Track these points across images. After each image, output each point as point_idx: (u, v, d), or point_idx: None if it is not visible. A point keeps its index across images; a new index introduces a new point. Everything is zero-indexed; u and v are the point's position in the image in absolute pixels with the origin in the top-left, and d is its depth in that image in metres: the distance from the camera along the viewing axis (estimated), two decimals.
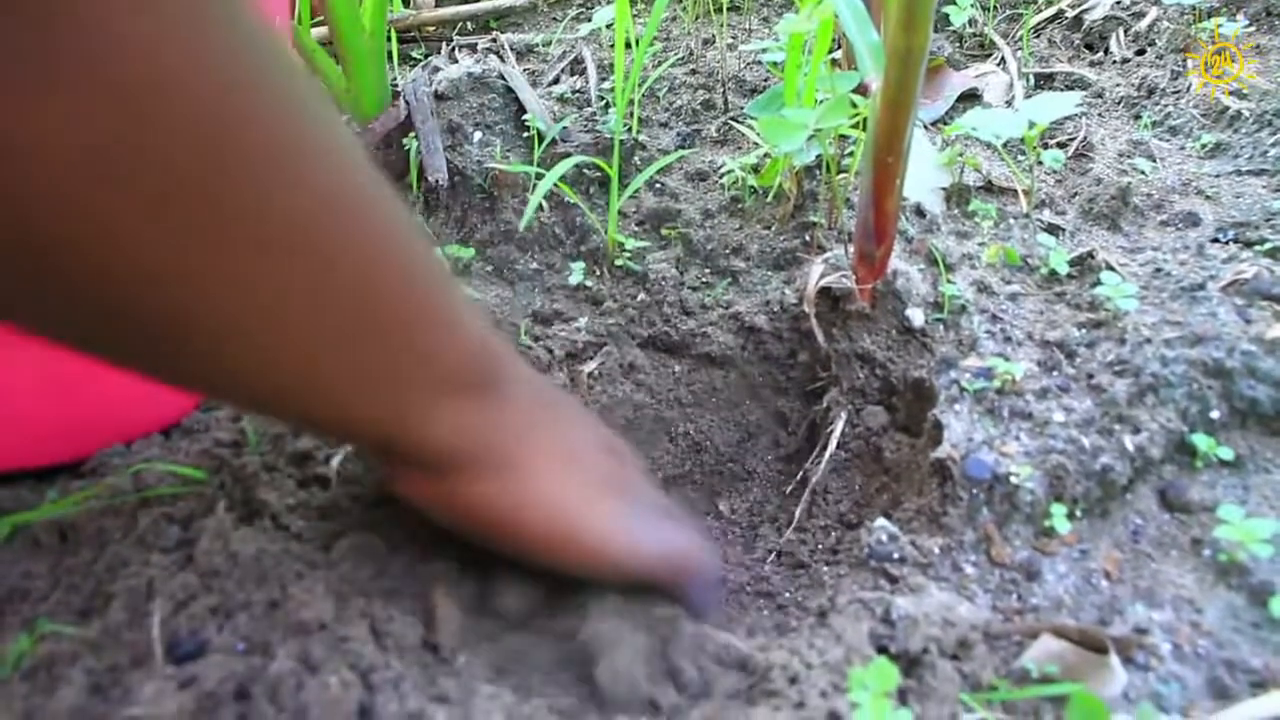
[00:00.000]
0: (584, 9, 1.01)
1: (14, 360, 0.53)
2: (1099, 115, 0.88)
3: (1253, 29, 0.92)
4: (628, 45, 0.90)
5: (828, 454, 0.63)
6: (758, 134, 0.75)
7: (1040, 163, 0.77)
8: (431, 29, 0.96)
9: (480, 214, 0.74)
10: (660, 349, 0.67)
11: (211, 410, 0.59)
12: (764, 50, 0.78)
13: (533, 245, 0.72)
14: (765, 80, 0.87)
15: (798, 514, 0.62)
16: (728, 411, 0.67)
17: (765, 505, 0.64)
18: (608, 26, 0.90)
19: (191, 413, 0.59)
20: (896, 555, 0.55)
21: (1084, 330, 0.63)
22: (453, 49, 0.91)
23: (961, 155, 0.75)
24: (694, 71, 0.89)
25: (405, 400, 0.42)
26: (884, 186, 0.59)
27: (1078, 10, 0.98)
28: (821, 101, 0.65)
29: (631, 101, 0.81)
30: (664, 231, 0.72)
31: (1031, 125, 0.69)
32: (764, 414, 0.67)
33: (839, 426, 0.64)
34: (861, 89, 0.62)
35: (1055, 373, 0.61)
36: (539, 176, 0.73)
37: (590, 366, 0.65)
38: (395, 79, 0.81)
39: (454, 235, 0.73)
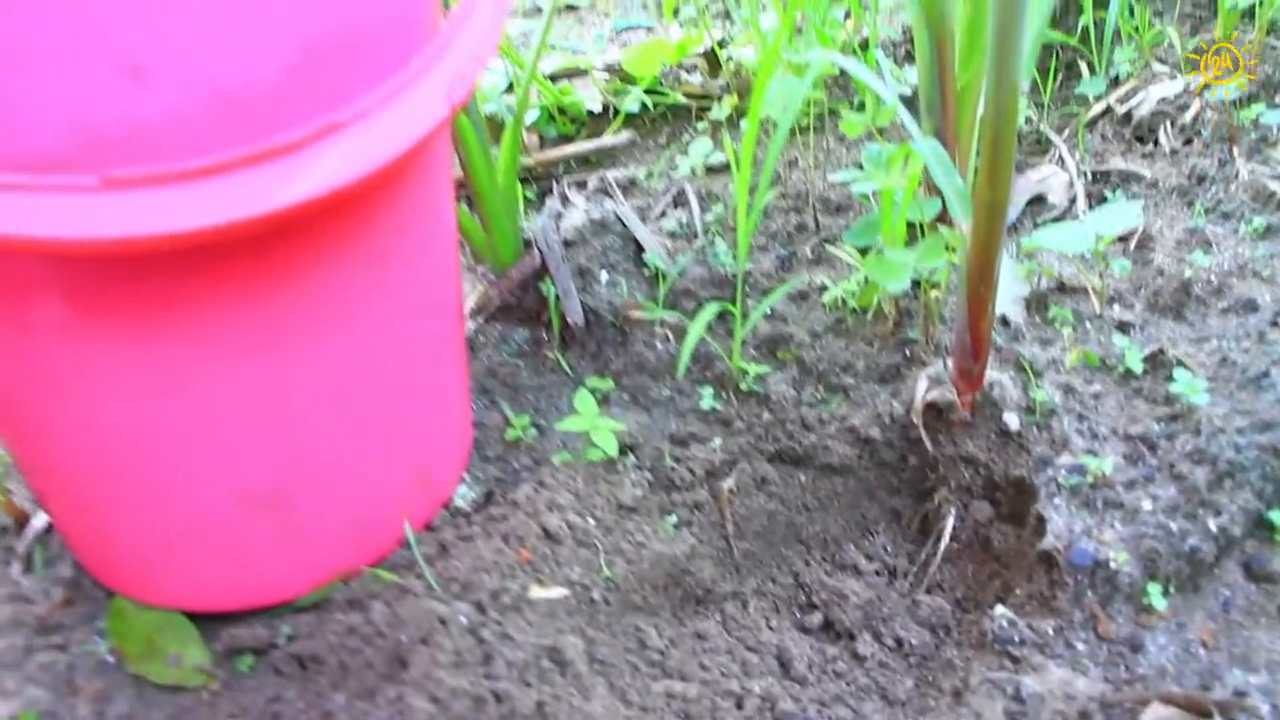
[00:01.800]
0: (675, 135, 1.12)
1: (255, 517, 0.63)
2: (1155, 205, 0.97)
3: None
4: (722, 166, 1.00)
5: (942, 545, 0.72)
6: (851, 257, 0.85)
7: (1108, 266, 0.85)
8: (539, 169, 1.07)
9: (614, 348, 0.84)
10: (787, 462, 0.76)
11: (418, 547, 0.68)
12: (852, 180, 0.87)
13: (663, 374, 0.82)
14: (849, 199, 0.96)
15: (919, 599, 0.71)
16: (850, 513, 0.76)
17: (888, 594, 0.73)
18: (705, 158, 1.00)
19: (397, 550, 0.69)
20: (1017, 638, 0.64)
21: (1162, 424, 0.72)
22: (563, 188, 1.02)
23: (1039, 266, 0.84)
24: (783, 195, 0.98)
25: None
26: (978, 311, 0.69)
27: (1126, 106, 1.06)
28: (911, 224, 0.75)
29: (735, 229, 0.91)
30: (779, 354, 0.81)
31: (1099, 238, 0.78)
32: (881, 512, 0.76)
33: (949, 521, 0.73)
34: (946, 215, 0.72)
35: (1140, 464, 0.70)
36: (666, 313, 0.83)
37: (728, 483, 0.74)
38: (521, 223, 0.91)
39: (591, 368, 0.83)
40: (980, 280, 0.67)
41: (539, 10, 1.40)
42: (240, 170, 0.43)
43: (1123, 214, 0.78)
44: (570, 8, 1.41)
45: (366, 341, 0.59)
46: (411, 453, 0.67)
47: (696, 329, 0.75)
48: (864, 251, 0.84)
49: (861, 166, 0.89)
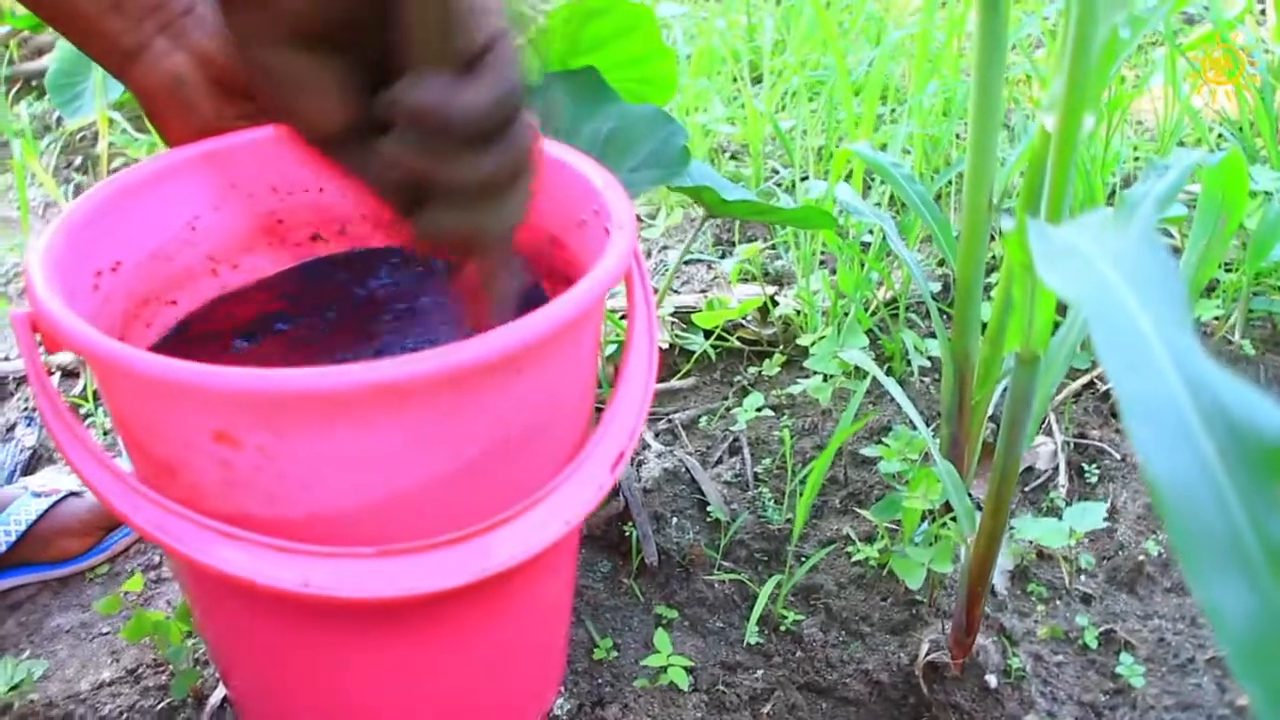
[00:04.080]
0: (729, 374, 1.34)
1: (424, 689, 0.83)
2: (1122, 479, 1.18)
3: None
4: (772, 419, 1.21)
5: None
6: (875, 520, 1.06)
7: (1079, 548, 1.07)
8: None
9: (680, 583, 1.05)
10: (813, 692, 0.97)
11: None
12: (879, 459, 1.09)
13: (719, 609, 1.02)
14: (877, 454, 1.18)
15: None
16: None
17: None
18: (757, 410, 1.22)
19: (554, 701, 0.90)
20: None
21: (1108, 695, 0.93)
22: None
23: (1023, 548, 1.06)
24: (817, 446, 1.20)
25: None
26: (975, 600, 0.90)
27: (1107, 385, 1.28)
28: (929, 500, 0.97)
29: (784, 494, 1.12)
30: (812, 601, 1.03)
31: (1072, 532, 1.00)
32: None
33: None
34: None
35: None
36: (726, 555, 1.05)
37: (766, 708, 0.94)
38: None
39: (659, 596, 1.04)
40: (977, 580, 0.88)
41: None
42: (471, 540, 0.64)
43: (1092, 515, 1.00)
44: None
45: (530, 621, 0.80)
46: (534, 678, 0.88)
47: (762, 599, 0.96)
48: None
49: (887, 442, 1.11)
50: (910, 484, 0.95)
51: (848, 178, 1.34)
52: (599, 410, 0.73)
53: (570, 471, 0.68)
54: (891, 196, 1.49)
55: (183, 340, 0.81)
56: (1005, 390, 0.92)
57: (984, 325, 0.92)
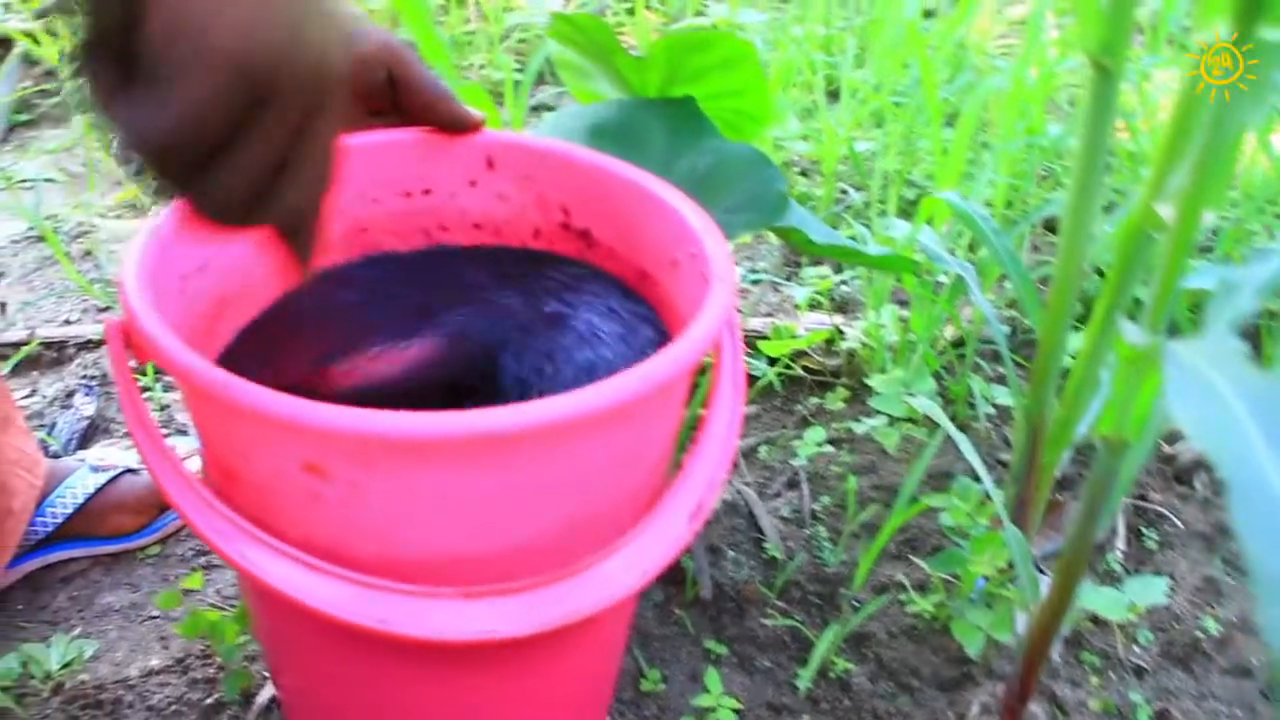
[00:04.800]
0: (790, 403, 1.33)
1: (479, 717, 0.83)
2: (1183, 546, 1.17)
3: None
4: (833, 456, 1.20)
5: None
6: (932, 572, 1.05)
7: (1135, 622, 1.05)
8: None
9: (732, 618, 1.04)
10: None
11: None
12: (942, 510, 1.07)
13: (768, 649, 1.02)
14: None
15: None
16: None
17: None
18: (818, 445, 1.21)
19: None
20: None
21: None
22: None
23: (1078, 612, 1.05)
24: (875, 486, 1.19)
25: None
26: (1032, 668, 0.89)
27: (1172, 449, 1.27)
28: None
29: (840, 534, 1.12)
30: (862, 649, 1.02)
31: (1131, 606, 0.98)
32: None
33: None
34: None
35: None
36: (780, 595, 1.04)
37: None
38: None
39: (710, 630, 1.03)
40: (1037, 650, 0.87)
41: None
42: (550, 586, 0.63)
43: (1153, 590, 0.98)
44: None
45: (589, 656, 0.80)
46: (585, 707, 0.88)
47: (819, 652, 0.95)
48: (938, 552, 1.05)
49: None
50: (974, 545, 0.94)
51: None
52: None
53: (649, 521, 0.67)
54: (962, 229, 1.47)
55: (256, 340, 0.80)
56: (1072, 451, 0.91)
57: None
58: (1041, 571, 0.91)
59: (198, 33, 0.43)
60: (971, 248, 1.44)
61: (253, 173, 0.49)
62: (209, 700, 0.94)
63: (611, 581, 0.65)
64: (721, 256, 0.70)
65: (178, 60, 0.44)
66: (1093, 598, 1.00)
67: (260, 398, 0.56)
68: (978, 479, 1.14)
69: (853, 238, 1.41)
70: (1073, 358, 0.99)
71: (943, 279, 1.32)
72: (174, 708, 0.94)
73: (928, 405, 1.02)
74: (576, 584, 0.64)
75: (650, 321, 0.80)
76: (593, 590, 0.64)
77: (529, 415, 0.56)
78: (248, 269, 0.80)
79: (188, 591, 1.05)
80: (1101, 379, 0.89)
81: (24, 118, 1.99)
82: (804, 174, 1.79)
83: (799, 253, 1.58)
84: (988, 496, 1.05)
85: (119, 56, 0.47)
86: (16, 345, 1.40)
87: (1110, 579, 1.10)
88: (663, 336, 0.79)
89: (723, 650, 1.02)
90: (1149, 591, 0.99)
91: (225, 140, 0.47)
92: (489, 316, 0.80)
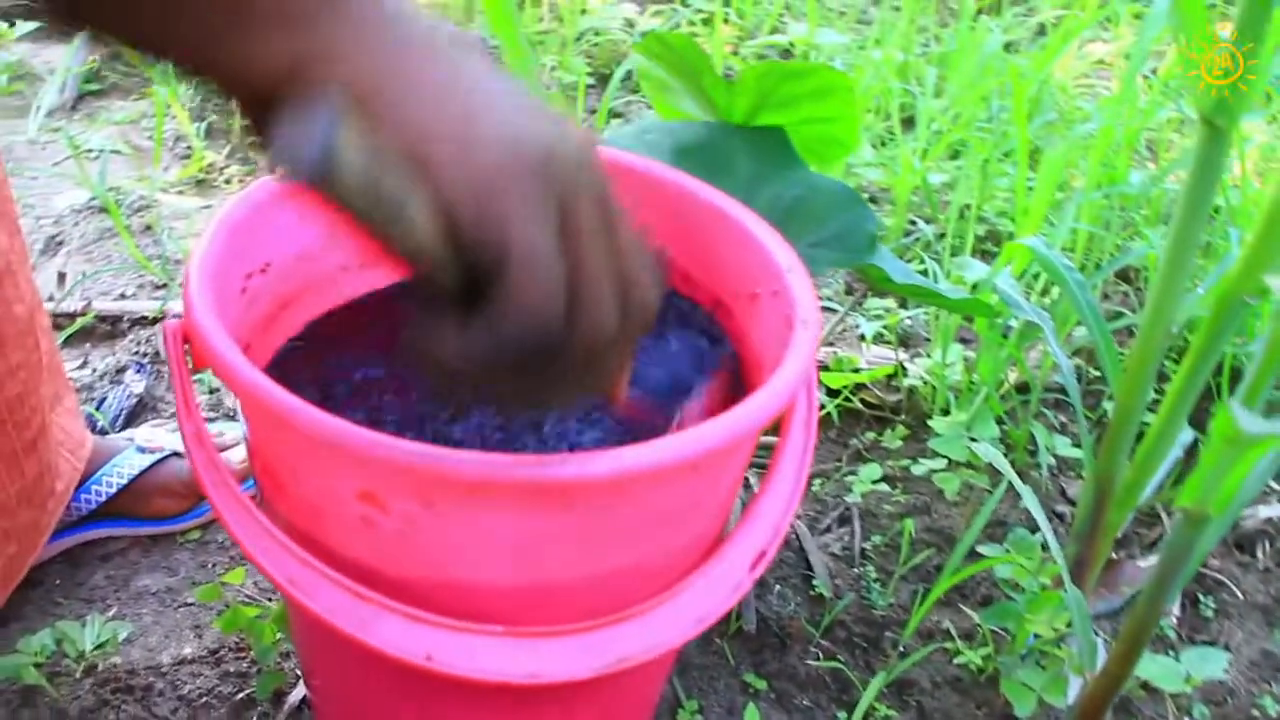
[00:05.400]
0: (846, 436, 1.30)
1: None
2: (1240, 616, 1.13)
3: None
4: (888, 493, 1.18)
5: None
6: (983, 624, 1.02)
7: (1189, 694, 1.02)
8: None
9: (773, 653, 1.02)
10: None
11: None
12: (998, 562, 1.05)
13: (808, 688, 0.99)
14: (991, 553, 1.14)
15: None
16: None
17: None
18: (873, 483, 1.19)
19: None
20: None
21: None
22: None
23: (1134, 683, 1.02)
24: (928, 528, 1.16)
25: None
26: None
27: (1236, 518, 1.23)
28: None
29: (890, 575, 1.09)
30: (905, 696, 0.99)
31: (1188, 679, 0.95)
32: None
33: None
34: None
35: None
36: (824, 634, 1.02)
37: None
38: None
39: (750, 663, 1.01)
40: (1090, 717, 0.85)
41: None
42: (601, 630, 0.61)
43: (1212, 664, 0.95)
44: None
45: (634, 689, 0.78)
46: None
47: (864, 702, 0.93)
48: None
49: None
50: (1032, 603, 0.92)
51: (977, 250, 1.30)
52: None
53: (708, 568, 0.65)
54: (1036, 273, 1.44)
55: (310, 344, 0.79)
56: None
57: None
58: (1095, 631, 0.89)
59: (474, 167, 0.40)
60: (1044, 292, 1.41)
61: (603, 289, 0.44)
62: (240, 695, 0.93)
63: (664, 628, 0.63)
64: (807, 300, 0.68)
65: (474, 217, 0.41)
66: (1148, 666, 0.97)
67: (322, 425, 0.54)
68: (1033, 529, 1.11)
69: (923, 273, 1.39)
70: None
71: (1011, 322, 1.29)
72: (204, 700, 0.93)
73: (991, 453, 0.99)
74: (628, 630, 0.62)
75: (724, 348, 0.78)
76: (644, 637, 0.62)
77: (597, 465, 0.54)
78: (309, 270, 0.79)
79: (226, 584, 1.04)
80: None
81: (94, 87, 2.00)
82: (873, 200, 1.77)
83: (865, 283, 1.56)
84: (1045, 549, 1.02)
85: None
86: (72, 316, 1.39)
87: (1163, 645, 1.07)
88: (734, 363, 0.77)
89: (762, 685, 0.99)
90: (1208, 665, 0.96)
91: (564, 268, 0.43)
92: None
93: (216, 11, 0.40)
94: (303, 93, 0.40)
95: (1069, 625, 0.91)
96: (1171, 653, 1.04)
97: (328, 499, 0.59)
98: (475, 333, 0.42)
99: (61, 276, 1.48)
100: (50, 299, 1.42)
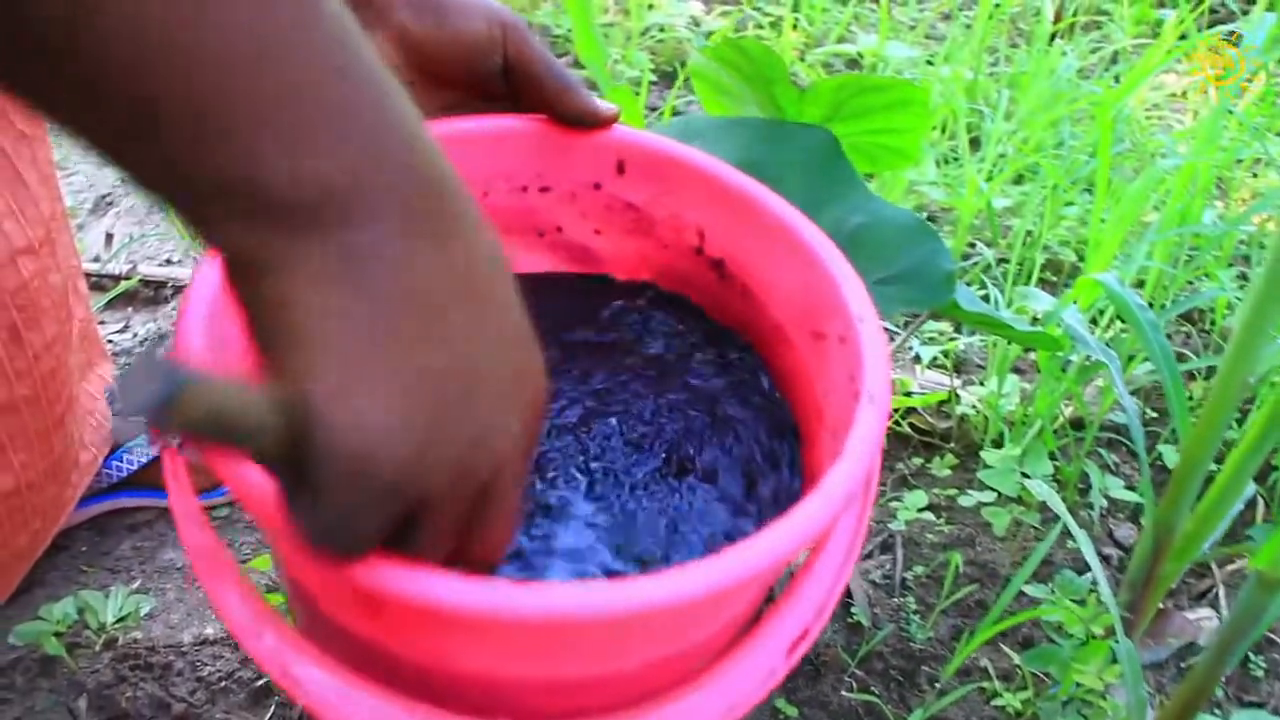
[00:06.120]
0: (893, 459, 1.27)
1: None
2: None
3: None
4: (933, 522, 1.15)
5: None
6: (1025, 667, 0.99)
7: None
8: None
9: (806, 680, 0.99)
10: None
11: None
12: (1052, 612, 1.01)
13: (840, 718, 0.96)
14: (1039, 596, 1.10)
15: None
16: None
17: None
18: (918, 511, 1.15)
19: None
20: None
21: None
22: None
23: None
24: (971, 562, 1.13)
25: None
26: None
27: None
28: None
29: (931, 608, 1.06)
30: None
31: None
32: None
33: None
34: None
35: None
36: (860, 664, 0.99)
37: None
38: None
39: (781, 691, 0.98)
40: None
41: None
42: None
43: None
44: None
45: None
46: None
47: None
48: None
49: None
50: (1080, 653, 0.88)
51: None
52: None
53: (743, 653, 0.59)
54: (1103, 308, 1.40)
55: None
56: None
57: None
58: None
59: (361, 460, 0.38)
60: (1106, 328, 1.37)
61: (430, 557, 0.44)
62: (259, 682, 0.91)
63: (714, 705, 0.58)
64: (878, 367, 0.61)
65: (331, 480, 0.38)
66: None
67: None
68: (1079, 570, 1.08)
69: (984, 298, 1.35)
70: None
71: (1071, 357, 1.25)
72: (224, 683, 0.91)
73: (1045, 491, 0.96)
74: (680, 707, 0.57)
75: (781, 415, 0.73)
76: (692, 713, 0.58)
77: (649, 592, 0.48)
78: None
79: (251, 570, 1.02)
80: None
81: None
82: (932, 219, 1.73)
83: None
84: (1094, 593, 0.99)
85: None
86: (116, 279, 1.38)
87: (1210, 703, 1.03)
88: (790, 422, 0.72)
89: (793, 713, 0.96)
90: None
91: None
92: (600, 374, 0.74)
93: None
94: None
95: (1118, 677, 0.87)
96: (1218, 711, 1.01)
97: (329, 583, 0.55)
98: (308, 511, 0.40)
99: (109, 237, 1.47)
100: (96, 259, 1.41)
